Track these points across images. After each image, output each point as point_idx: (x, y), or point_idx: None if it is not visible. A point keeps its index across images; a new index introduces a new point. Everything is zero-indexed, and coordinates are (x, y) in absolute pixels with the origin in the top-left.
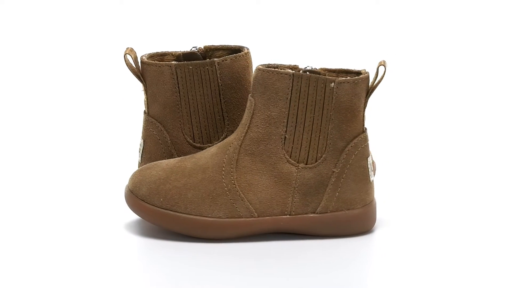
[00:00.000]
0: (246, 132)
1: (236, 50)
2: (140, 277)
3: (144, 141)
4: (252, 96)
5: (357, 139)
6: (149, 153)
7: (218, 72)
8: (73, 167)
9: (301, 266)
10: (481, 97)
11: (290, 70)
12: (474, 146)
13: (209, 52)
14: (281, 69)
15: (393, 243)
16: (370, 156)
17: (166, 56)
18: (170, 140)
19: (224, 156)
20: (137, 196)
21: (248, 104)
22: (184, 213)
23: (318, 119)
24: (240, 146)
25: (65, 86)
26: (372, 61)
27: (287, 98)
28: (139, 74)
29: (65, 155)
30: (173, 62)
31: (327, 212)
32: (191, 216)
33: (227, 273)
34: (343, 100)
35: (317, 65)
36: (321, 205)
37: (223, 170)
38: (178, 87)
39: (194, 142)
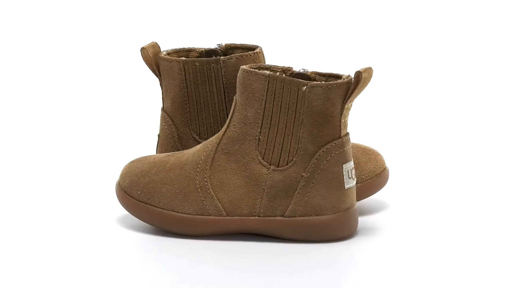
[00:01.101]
0: (225, 131)
1: (252, 49)
2: (138, 273)
3: (158, 135)
4: (235, 96)
5: (330, 144)
6: (161, 148)
7: (223, 70)
8: (86, 162)
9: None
10: (481, 97)
11: (266, 71)
12: (472, 147)
13: (229, 50)
14: (262, 69)
15: (381, 247)
16: (348, 163)
17: (191, 52)
18: (177, 135)
19: (203, 154)
20: (121, 187)
21: (233, 103)
22: (157, 207)
23: (290, 122)
24: (218, 144)
25: (85, 82)
26: (379, 62)
27: (262, 99)
28: (154, 68)
29: (78, 150)
30: (182, 58)
31: (295, 216)
32: (163, 211)
33: (223, 270)
34: (314, 104)
35: (329, 68)
36: (289, 208)
37: (198, 167)
38: (186, 83)
39: (200, 138)
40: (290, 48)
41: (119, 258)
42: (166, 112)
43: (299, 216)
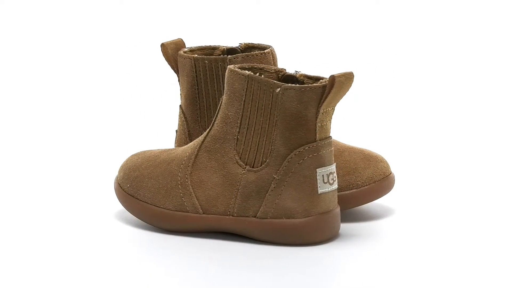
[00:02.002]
0: (210, 130)
1: (264, 49)
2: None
3: (176, 131)
4: (223, 95)
5: (303, 148)
6: (177, 143)
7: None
8: (109, 157)
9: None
10: (481, 98)
11: (246, 71)
12: (469, 149)
13: (247, 49)
14: (250, 70)
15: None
16: (324, 168)
17: (216, 50)
18: (188, 131)
19: (189, 150)
20: (117, 180)
21: (220, 102)
22: (142, 201)
23: (265, 123)
24: (202, 142)
25: (115, 78)
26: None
27: (242, 99)
28: (173, 64)
29: (103, 145)
30: (194, 55)
31: (266, 218)
32: (146, 204)
33: (221, 268)
34: (287, 106)
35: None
36: (260, 210)
37: (182, 164)
38: (197, 80)
39: None
40: (313, 50)
41: (114, 251)
42: (181, 109)
43: (270, 218)
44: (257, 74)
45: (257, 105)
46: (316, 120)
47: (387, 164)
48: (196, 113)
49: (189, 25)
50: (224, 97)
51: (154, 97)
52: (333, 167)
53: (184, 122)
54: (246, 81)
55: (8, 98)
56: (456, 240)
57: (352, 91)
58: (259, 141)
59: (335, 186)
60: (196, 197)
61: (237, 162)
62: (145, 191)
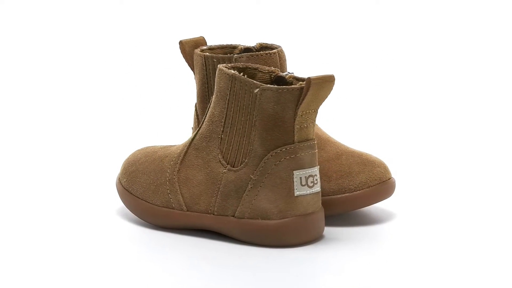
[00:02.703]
0: (199, 128)
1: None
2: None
3: (192, 128)
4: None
5: (280, 149)
6: None
7: None
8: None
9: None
10: (481, 100)
11: (231, 71)
12: (472, 155)
13: (261, 49)
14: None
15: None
16: (302, 170)
17: (235, 49)
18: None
19: (180, 148)
20: (119, 175)
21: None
22: (135, 196)
23: (246, 123)
24: (192, 140)
25: (136, 75)
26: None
27: (226, 98)
28: (189, 62)
29: (128, 141)
30: (206, 53)
31: (243, 218)
32: (138, 199)
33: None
34: (265, 107)
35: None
36: (238, 209)
37: (172, 161)
38: (207, 79)
39: None
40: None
41: (111, 247)
42: (195, 106)
43: (247, 218)
44: (251, 74)
45: (239, 105)
46: (294, 122)
47: (386, 169)
48: (205, 111)
49: (220, 24)
50: (213, 95)
51: (173, 94)
52: (313, 170)
53: (196, 120)
54: (230, 81)
55: (14, 95)
56: (455, 247)
57: (360, 93)
58: (239, 141)
59: (316, 189)
60: (181, 194)
61: (220, 161)
62: (138, 186)
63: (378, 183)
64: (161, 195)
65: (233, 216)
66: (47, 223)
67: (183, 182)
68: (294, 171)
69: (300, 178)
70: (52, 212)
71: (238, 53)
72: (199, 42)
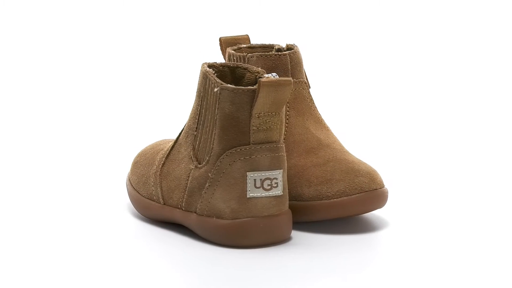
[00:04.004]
0: (186, 123)
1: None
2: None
3: None
4: None
5: (235, 149)
6: None
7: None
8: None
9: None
10: (480, 101)
11: (205, 68)
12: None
13: (286, 50)
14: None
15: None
16: (257, 172)
17: (271, 48)
18: None
19: (171, 142)
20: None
21: None
22: (132, 186)
23: (210, 121)
24: (180, 134)
25: (153, 74)
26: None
27: (200, 95)
28: (225, 59)
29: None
30: (231, 51)
31: (203, 215)
32: (132, 190)
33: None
34: (222, 106)
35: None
36: (198, 206)
37: (161, 155)
38: None
39: None
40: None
41: (115, 241)
42: None
43: (205, 215)
44: (240, 73)
45: (208, 103)
46: (249, 123)
47: (371, 180)
48: None
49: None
50: None
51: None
52: (273, 173)
53: None
54: (203, 78)
55: (21, 95)
56: (441, 263)
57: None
58: (206, 139)
59: (275, 192)
60: (161, 187)
61: (191, 157)
62: (135, 177)
63: (358, 193)
64: (148, 187)
65: (195, 212)
66: (51, 219)
67: (164, 175)
68: (247, 173)
69: (255, 180)
70: (60, 206)
71: (270, 52)
72: (239, 40)
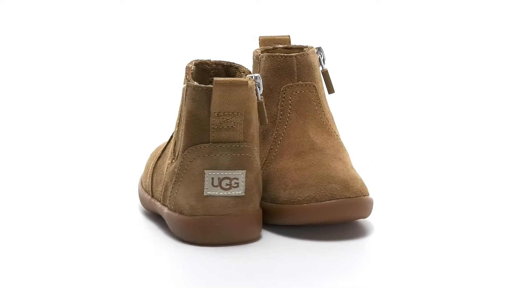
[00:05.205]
0: None
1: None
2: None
3: None
4: None
5: (195, 146)
6: None
7: (259, 67)
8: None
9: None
10: (479, 102)
11: (190, 64)
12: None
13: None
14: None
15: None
16: (216, 171)
17: (301, 50)
18: None
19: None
20: None
21: None
22: (140, 179)
23: (181, 118)
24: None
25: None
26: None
27: (183, 92)
28: None
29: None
30: (258, 51)
31: (171, 210)
32: (139, 182)
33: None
34: (187, 103)
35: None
36: (168, 201)
37: (160, 149)
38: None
39: None
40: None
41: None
42: None
43: (172, 210)
44: (232, 72)
45: (184, 99)
46: (209, 121)
47: (345, 187)
48: None
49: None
50: None
51: None
52: (233, 173)
53: None
54: (186, 74)
55: (31, 97)
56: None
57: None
58: (179, 135)
59: (235, 193)
60: (151, 180)
61: (171, 152)
62: (143, 170)
63: (329, 200)
64: (147, 180)
65: (167, 206)
66: (52, 219)
67: (156, 169)
68: (206, 170)
69: (212, 178)
70: (71, 203)
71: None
72: (278, 40)
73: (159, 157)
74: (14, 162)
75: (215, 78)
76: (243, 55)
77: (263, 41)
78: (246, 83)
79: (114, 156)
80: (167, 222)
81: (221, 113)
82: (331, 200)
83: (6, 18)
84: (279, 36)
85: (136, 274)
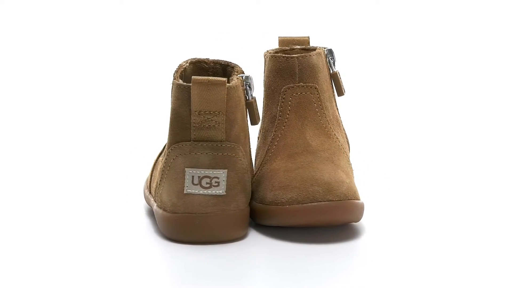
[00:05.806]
0: None
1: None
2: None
3: None
4: None
5: (178, 144)
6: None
7: (264, 67)
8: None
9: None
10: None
11: (183, 63)
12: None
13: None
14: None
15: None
16: (196, 169)
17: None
18: None
19: None
20: None
21: None
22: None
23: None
24: None
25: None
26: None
27: None
28: None
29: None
30: (270, 52)
31: (158, 206)
32: (145, 181)
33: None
34: (172, 100)
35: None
36: (157, 197)
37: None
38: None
39: None
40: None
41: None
42: None
43: (158, 207)
44: (229, 71)
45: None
46: (190, 119)
47: (327, 191)
48: None
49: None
50: None
51: None
52: (213, 172)
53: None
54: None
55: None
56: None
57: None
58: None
59: (216, 191)
60: (150, 176)
61: (167, 148)
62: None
63: (310, 202)
64: (148, 176)
65: (156, 202)
66: (54, 219)
67: (155, 165)
68: (186, 168)
69: (192, 176)
70: (77, 204)
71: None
72: (297, 41)
73: (160, 154)
74: (23, 164)
75: (193, 77)
76: (253, 54)
77: (282, 41)
78: (223, 82)
79: (123, 154)
80: (155, 218)
81: (202, 112)
82: (312, 202)
83: (6, 18)
84: (299, 37)
85: (119, 270)
